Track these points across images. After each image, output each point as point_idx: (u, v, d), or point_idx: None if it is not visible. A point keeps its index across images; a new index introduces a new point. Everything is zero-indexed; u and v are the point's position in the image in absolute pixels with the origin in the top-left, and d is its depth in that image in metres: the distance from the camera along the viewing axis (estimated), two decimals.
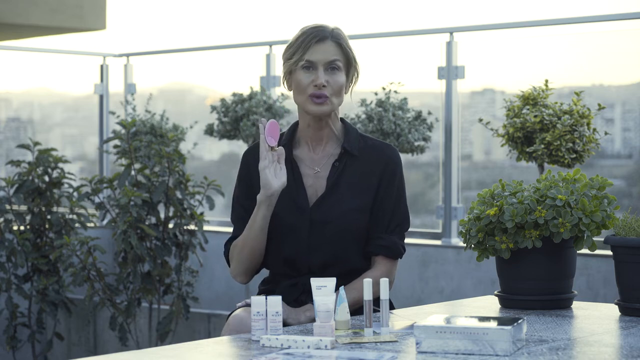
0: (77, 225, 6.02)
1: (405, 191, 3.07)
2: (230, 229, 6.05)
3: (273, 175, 2.91)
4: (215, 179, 5.68)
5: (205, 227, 5.90)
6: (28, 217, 5.98)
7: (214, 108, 5.68)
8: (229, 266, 3.10)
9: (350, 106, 5.39)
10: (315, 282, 2.62)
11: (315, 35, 2.98)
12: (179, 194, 5.68)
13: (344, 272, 2.99)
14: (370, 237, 3.02)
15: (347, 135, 3.05)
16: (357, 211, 2.98)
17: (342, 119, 3.10)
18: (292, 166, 3.04)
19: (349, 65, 3.02)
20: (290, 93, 3.08)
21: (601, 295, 4.80)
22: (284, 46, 3.08)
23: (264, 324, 2.53)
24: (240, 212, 3.08)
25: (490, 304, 3.11)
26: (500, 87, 6.21)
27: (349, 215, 2.98)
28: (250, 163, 3.07)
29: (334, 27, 3.03)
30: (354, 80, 3.07)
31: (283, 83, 3.08)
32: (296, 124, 3.09)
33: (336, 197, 2.99)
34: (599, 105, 4.37)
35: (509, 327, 2.32)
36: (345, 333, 2.60)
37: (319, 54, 2.98)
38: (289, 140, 3.06)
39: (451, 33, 5.42)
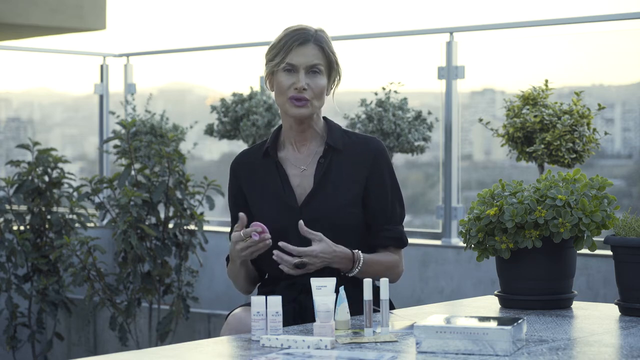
0: (77, 225, 6.02)
1: (397, 180, 3.08)
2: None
3: (239, 256, 2.94)
4: (215, 179, 5.68)
5: (205, 227, 5.90)
6: (28, 217, 5.97)
7: (214, 108, 5.68)
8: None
9: (349, 106, 5.38)
10: (315, 282, 2.62)
11: (297, 38, 2.99)
12: (179, 194, 5.68)
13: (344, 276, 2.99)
14: (374, 229, 3.02)
15: (330, 132, 3.06)
16: (346, 205, 2.99)
17: (324, 118, 3.11)
18: (277, 168, 3.05)
19: (331, 68, 3.04)
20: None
21: (601, 295, 4.80)
22: None
23: (264, 324, 2.53)
24: (233, 224, 3.12)
25: (490, 304, 3.11)
26: (500, 87, 6.22)
27: (340, 210, 2.98)
28: (236, 175, 3.11)
29: (317, 29, 3.04)
30: (336, 82, 3.09)
31: (265, 83, 3.10)
32: (280, 128, 3.11)
33: (325, 193, 2.99)
34: (599, 105, 4.37)
35: (509, 327, 2.32)
36: (345, 333, 2.60)
37: (300, 57, 2.98)
38: (273, 142, 3.08)
39: (451, 33, 5.42)
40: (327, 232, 2.95)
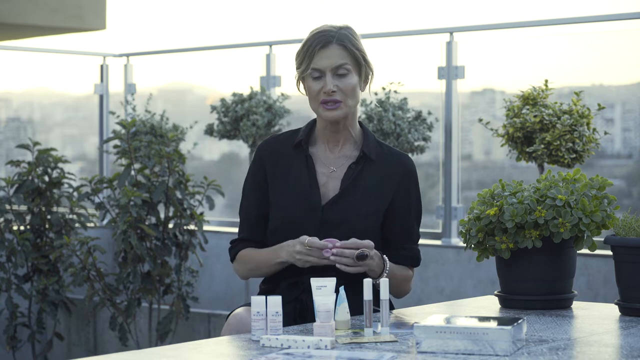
0: (77, 225, 6.02)
1: (421, 200, 3.10)
2: (231, 229, 6.07)
3: (291, 254, 2.91)
4: (215, 179, 5.68)
5: (205, 227, 5.90)
6: (28, 217, 5.98)
7: (214, 108, 5.68)
8: (232, 261, 3.11)
9: None
10: (315, 282, 2.62)
11: (319, 42, 2.97)
12: (179, 194, 5.68)
13: (344, 275, 2.96)
14: (393, 246, 3.03)
15: (366, 139, 3.05)
16: (369, 215, 2.98)
17: (360, 123, 3.09)
18: (307, 162, 3.04)
19: (359, 65, 3.01)
20: (299, 94, 3.08)
21: (601, 295, 4.80)
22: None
23: (264, 324, 2.53)
24: (248, 207, 3.08)
25: (490, 304, 3.11)
26: (500, 87, 6.22)
27: (362, 219, 2.96)
28: (263, 158, 3.07)
29: (341, 26, 3.02)
30: (370, 78, 3.06)
31: (298, 88, 3.08)
32: (314, 121, 3.09)
33: (350, 199, 2.98)
34: (599, 105, 4.37)
35: (509, 327, 2.32)
36: (345, 333, 2.60)
37: (324, 60, 2.97)
38: (306, 135, 3.06)
39: (451, 33, 5.42)
40: (344, 238, 2.91)
